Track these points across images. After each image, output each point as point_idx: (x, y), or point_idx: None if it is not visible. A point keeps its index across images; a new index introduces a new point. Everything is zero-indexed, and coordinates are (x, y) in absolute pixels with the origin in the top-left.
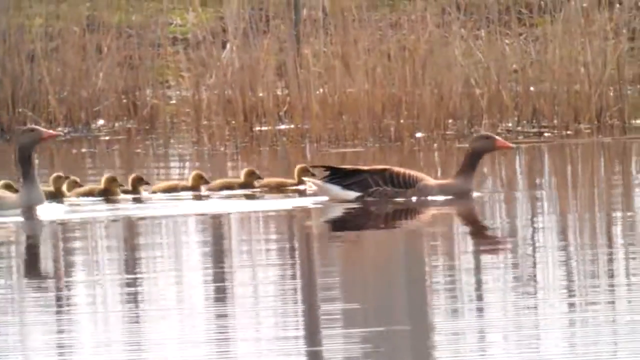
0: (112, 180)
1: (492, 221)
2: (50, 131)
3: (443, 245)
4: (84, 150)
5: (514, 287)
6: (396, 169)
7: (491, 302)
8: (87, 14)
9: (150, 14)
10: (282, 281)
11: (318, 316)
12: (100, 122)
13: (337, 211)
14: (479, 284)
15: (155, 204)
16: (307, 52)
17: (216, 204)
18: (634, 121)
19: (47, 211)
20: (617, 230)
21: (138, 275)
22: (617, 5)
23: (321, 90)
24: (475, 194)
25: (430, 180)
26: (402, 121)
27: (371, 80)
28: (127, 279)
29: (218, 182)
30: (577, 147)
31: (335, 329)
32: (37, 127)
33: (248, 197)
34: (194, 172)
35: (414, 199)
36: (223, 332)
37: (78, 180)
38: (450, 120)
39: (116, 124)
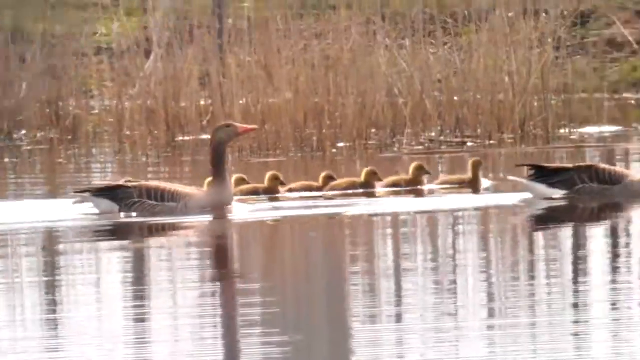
0: (275, 178)
1: None
2: (246, 126)
3: None
4: (6, 160)
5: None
6: (602, 165)
7: None
8: (10, 24)
9: (75, 23)
10: None
11: None
12: (23, 132)
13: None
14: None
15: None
16: (231, 61)
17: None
18: (557, 131)
19: (237, 210)
20: (539, 239)
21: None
22: (543, 15)
23: (244, 100)
24: None
25: (637, 176)
26: (324, 131)
27: (294, 89)
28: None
29: (343, 181)
30: (500, 157)
31: None
32: (233, 122)
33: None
34: (324, 176)
35: (620, 195)
36: None
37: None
38: (373, 130)
39: (39, 134)
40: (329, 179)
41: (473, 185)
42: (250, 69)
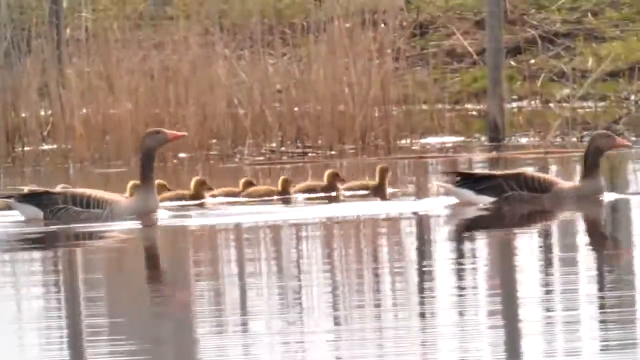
0: (201, 184)
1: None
2: (175, 132)
3: None
4: None
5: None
6: (529, 172)
7: None
8: None
9: None
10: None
11: None
12: None
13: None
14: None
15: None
16: (70, 72)
17: (338, 208)
18: (399, 141)
19: (163, 217)
20: (384, 250)
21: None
22: (382, 26)
23: (85, 110)
24: (606, 195)
25: (565, 184)
26: None
27: (134, 100)
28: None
29: (302, 185)
30: (342, 167)
31: None
32: (162, 129)
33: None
34: (282, 178)
35: (549, 203)
36: None
37: (166, 184)
38: (214, 141)
39: None
40: (249, 184)
41: (379, 192)
42: (90, 79)
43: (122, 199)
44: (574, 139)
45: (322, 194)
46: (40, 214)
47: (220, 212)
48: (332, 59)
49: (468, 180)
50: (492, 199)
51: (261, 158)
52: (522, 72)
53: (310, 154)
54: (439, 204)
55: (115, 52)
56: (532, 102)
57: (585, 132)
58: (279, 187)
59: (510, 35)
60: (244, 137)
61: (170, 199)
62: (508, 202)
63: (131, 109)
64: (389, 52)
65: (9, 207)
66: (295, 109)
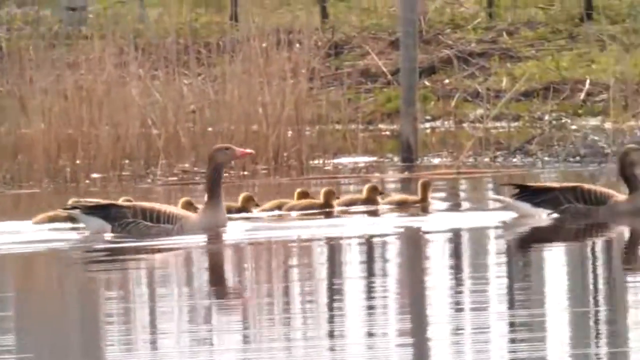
0: (249, 199)
1: None
2: (245, 150)
3: None
4: None
5: None
6: (587, 185)
7: None
8: None
9: None
10: None
11: None
12: None
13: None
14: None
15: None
16: None
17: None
18: (312, 162)
19: (231, 232)
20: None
21: None
22: (297, 46)
23: None
24: None
25: (621, 197)
26: (78, 162)
27: (47, 120)
28: None
29: (346, 198)
30: (255, 187)
31: None
32: (231, 145)
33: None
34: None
35: (604, 216)
36: None
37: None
38: (126, 161)
39: None
40: (304, 195)
41: (422, 206)
42: (3, 99)
43: (190, 214)
44: (487, 159)
45: (362, 207)
46: (107, 227)
47: (284, 225)
48: (247, 79)
49: (525, 193)
50: (549, 212)
51: (174, 178)
52: (436, 92)
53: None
54: (489, 217)
55: (29, 72)
56: (446, 123)
57: (498, 153)
58: (322, 200)
59: (426, 55)
60: (157, 157)
61: None
62: (564, 215)
63: (44, 129)
64: (303, 72)
65: (71, 219)
66: (209, 129)
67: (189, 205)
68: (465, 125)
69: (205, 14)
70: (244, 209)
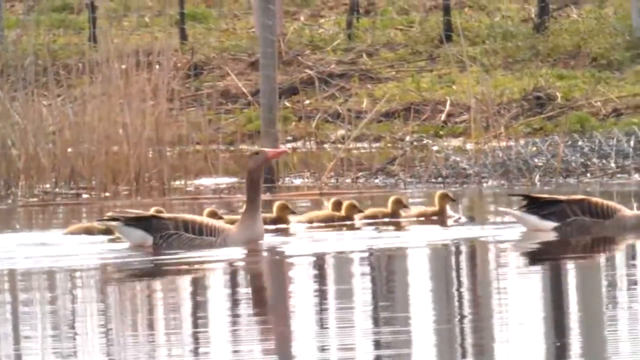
0: (284, 208)
1: None
2: (276, 149)
3: None
4: None
5: None
6: (594, 199)
7: None
8: None
9: None
10: None
11: None
12: None
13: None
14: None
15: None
16: None
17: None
18: (173, 183)
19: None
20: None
21: None
22: (156, 67)
23: None
24: None
25: (627, 211)
26: None
27: None
28: None
29: (369, 211)
30: (116, 208)
31: None
32: (263, 149)
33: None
34: (347, 202)
35: (611, 229)
36: None
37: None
38: None
39: None
40: (353, 208)
41: (440, 218)
42: None
43: (230, 226)
44: (349, 180)
45: (386, 220)
46: (149, 239)
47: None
48: (107, 100)
49: (533, 205)
50: (555, 224)
51: (35, 199)
52: (297, 113)
53: (84, 195)
54: (505, 231)
55: None
56: (307, 143)
57: (360, 173)
58: (344, 213)
59: (286, 76)
60: (17, 178)
61: None
62: (571, 227)
63: None
64: (163, 93)
65: (107, 231)
66: (69, 149)
67: (214, 215)
68: (326, 146)
69: (64, 35)
70: (279, 219)
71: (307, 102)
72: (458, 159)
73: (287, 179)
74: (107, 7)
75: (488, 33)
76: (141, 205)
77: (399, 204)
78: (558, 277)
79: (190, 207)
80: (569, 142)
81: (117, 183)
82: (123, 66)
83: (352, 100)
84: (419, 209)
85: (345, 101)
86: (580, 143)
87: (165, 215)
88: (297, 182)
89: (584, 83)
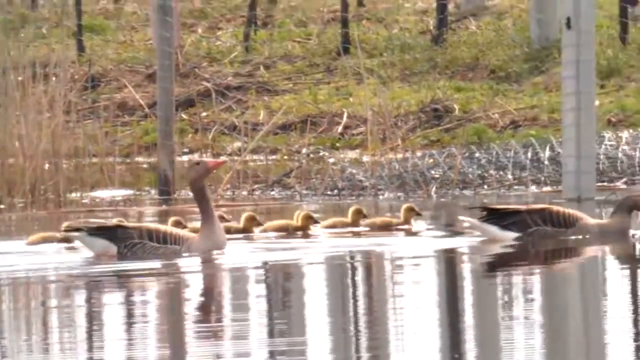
0: (252, 219)
1: None
2: (216, 160)
3: None
4: None
5: None
6: (555, 207)
7: None
8: None
9: None
10: None
11: None
12: None
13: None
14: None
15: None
16: None
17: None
18: (69, 195)
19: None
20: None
21: None
22: (53, 79)
23: None
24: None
25: (589, 220)
26: None
27: None
28: None
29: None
30: (11, 221)
31: None
32: (203, 159)
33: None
34: (303, 213)
35: (573, 238)
36: None
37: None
38: None
39: None
40: (358, 213)
41: (405, 229)
42: None
43: (193, 235)
44: (245, 192)
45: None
46: (113, 248)
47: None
48: (3, 112)
49: (494, 216)
50: (517, 235)
51: None
52: (194, 125)
53: None
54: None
55: None
56: (204, 155)
57: (256, 185)
58: (299, 223)
59: (183, 88)
60: None
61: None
62: (532, 237)
63: None
64: (60, 105)
65: (67, 240)
66: None
67: (178, 225)
68: (223, 158)
69: None
70: (245, 229)
71: (204, 114)
72: (354, 171)
73: (183, 191)
74: (4, 19)
75: (386, 45)
76: (35, 219)
77: (359, 214)
78: (453, 290)
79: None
80: (466, 154)
81: (13, 195)
82: (20, 78)
83: (249, 113)
84: (384, 219)
85: (242, 113)
86: (477, 155)
87: (130, 224)
88: None
89: (481, 95)
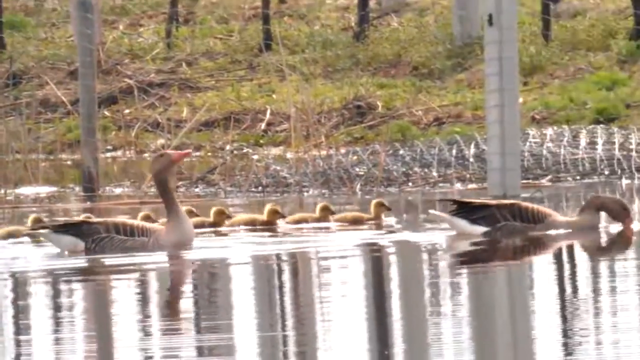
0: (221, 213)
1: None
2: (180, 152)
3: None
4: None
5: None
6: (524, 203)
7: None
8: None
9: None
10: None
11: None
12: None
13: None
14: None
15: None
16: None
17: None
18: None
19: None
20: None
21: None
22: None
23: None
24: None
25: (558, 216)
26: None
27: None
28: None
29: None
30: None
31: None
32: (167, 151)
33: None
34: (269, 207)
35: (541, 233)
36: None
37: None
38: None
39: None
40: (328, 210)
41: (375, 224)
42: None
43: (160, 227)
44: None
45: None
46: (80, 244)
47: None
48: None
49: (463, 210)
50: (485, 229)
51: None
52: (117, 122)
53: None
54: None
55: None
56: (127, 152)
57: (180, 182)
58: (265, 218)
59: (105, 85)
60: None
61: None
62: (501, 232)
63: None
64: None
65: (31, 237)
66: None
67: (148, 219)
68: (146, 155)
69: None
70: (215, 224)
71: (127, 111)
72: (278, 167)
73: (107, 187)
74: None
75: (308, 42)
76: None
77: (327, 211)
78: (381, 293)
79: (10, 216)
80: (390, 151)
81: None
82: None
83: (171, 110)
84: (354, 214)
85: (165, 110)
86: (401, 152)
87: (95, 219)
88: (118, 191)
89: (404, 92)
